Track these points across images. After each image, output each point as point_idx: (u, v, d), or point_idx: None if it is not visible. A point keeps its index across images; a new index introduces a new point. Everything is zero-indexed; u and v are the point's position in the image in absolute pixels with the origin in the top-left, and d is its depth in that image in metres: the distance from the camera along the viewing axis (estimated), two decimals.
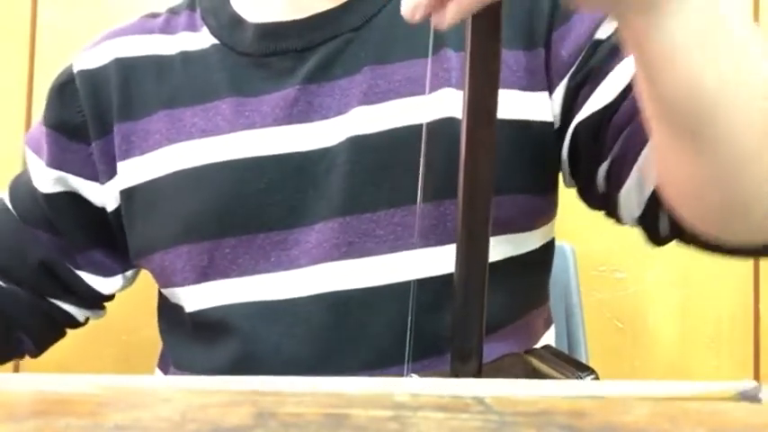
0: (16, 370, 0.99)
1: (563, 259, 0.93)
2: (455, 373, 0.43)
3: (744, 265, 1.11)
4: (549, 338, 0.71)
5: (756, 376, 1.11)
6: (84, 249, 0.72)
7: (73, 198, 0.70)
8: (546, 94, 0.62)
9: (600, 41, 0.60)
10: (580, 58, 0.60)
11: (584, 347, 0.92)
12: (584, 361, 0.91)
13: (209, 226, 0.63)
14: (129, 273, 0.74)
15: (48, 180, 0.70)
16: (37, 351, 0.76)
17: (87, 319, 0.77)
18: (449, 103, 0.60)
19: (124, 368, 1.05)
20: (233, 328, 0.62)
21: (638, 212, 0.58)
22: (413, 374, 0.48)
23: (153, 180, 0.66)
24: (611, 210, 0.61)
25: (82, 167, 0.69)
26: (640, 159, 0.56)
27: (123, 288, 0.75)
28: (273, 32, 0.65)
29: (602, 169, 0.59)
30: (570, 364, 0.52)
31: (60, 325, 0.76)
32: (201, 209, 0.63)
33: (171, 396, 0.24)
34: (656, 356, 1.11)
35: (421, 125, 0.60)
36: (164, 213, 0.65)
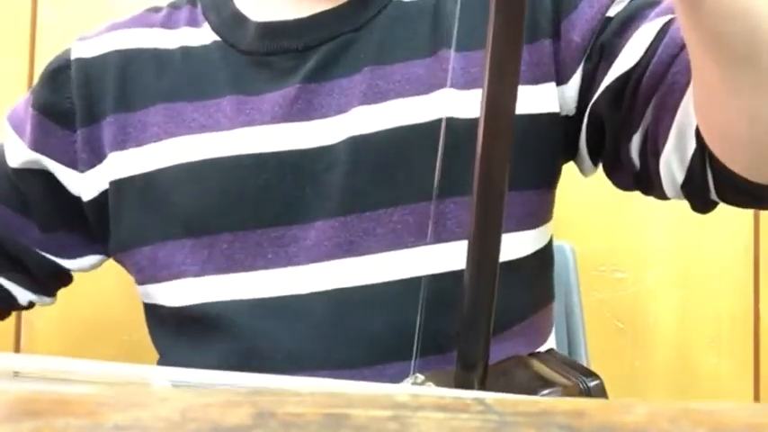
0: (16, 372, 0.99)
1: (563, 259, 0.93)
2: (459, 383, 0.43)
3: (744, 266, 1.11)
4: (551, 338, 0.71)
5: (756, 376, 1.11)
6: (53, 230, 0.71)
7: (46, 179, 0.69)
8: (551, 84, 0.62)
9: (609, 18, 0.60)
10: (593, 38, 0.60)
11: (584, 347, 0.92)
12: (583, 361, 0.91)
13: (206, 221, 0.63)
14: (94, 259, 0.74)
15: (23, 157, 0.69)
16: None
17: (31, 304, 0.76)
18: (449, 103, 0.60)
19: None
20: (230, 324, 0.62)
21: (681, 178, 0.56)
22: (418, 374, 0.48)
23: (149, 173, 0.65)
24: (648, 185, 0.60)
25: (62, 153, 0.68)
26: (677, 121, 0.55)
27: (89, 268, 0.74)
28: (275, 31, 0.66)
29: (636, 141, 0.58)
30: (575, 368, 0.52)
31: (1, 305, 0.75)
32: (199, 204, 0.63)
33: (170, 395, 0.24)
34: (656, 356, 1.11)
35: (421, 125, 0.60)
36: (160, 206, 0.65)
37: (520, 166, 0.60)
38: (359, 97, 0.62)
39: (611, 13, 0.60)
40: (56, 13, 1.15)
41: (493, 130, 0.40)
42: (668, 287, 1.09)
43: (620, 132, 0.59)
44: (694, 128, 0.54)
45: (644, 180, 0.60)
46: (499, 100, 0.40)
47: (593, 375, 0.51)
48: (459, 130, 0.60)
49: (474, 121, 0.60)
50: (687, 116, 0.54)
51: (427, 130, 0.60)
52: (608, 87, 0.59)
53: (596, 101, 0.60)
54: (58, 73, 0.70)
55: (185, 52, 0.68)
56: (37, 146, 0.69)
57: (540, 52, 0.62)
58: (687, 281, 1.09)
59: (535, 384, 0.49)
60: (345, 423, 0.22)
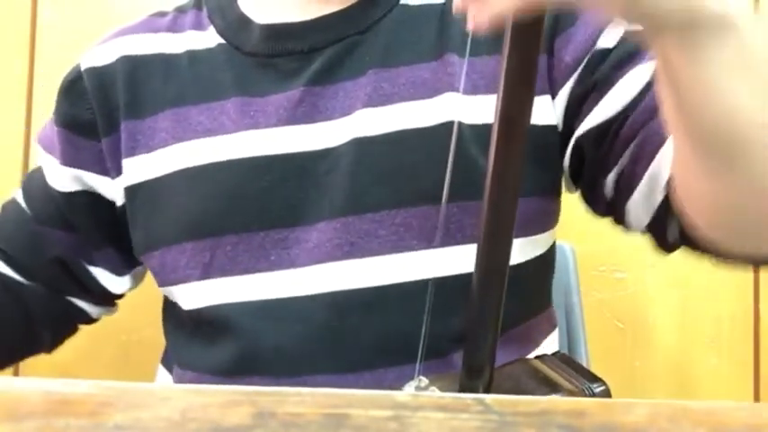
0: (16, 371, 0.99)
1: (563, 259, 0.93)
2: (464, 388, 0.43)
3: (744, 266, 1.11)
4: (552, 341, 0.71)
5: (756, 376, 1.11)
6: (99, 246, 0.72)
7: (89, 196, 0.70)
8: (548, 97, 0.62)
9: (607, 50, 0.60)
10: (584, 63, 0.60)
11: (585, 347, 0.92)
12: (584, 361, 0.91)
13: (210, 223, 0.63)
14: (138, 270, 0.75)
15: (64, 179, 0.70)
16: (52, 346, 0.77)
17: (101, 315, 0.78)
18: (452, 107, 0.61)
19: (124, 368, 1.05)
20: (233, 326, 0.62)
21: (646, 220, 0.58)
22: (422, 377, 0.47)
23: (158, 178, 0.66)
24: (618, 217, 0.61)
25: (94, 164, 0.69)
26: (650, 169, 0.56)
27: (133, 287, 0.76)
28: (280, 33, 0.66)
29: (610, 179, 0.60)
30: (581, 373, 0.52)
31: (75, 321, 0.77)
32: (204, 206, 0.63)
33: (171, 396, 0.24)
34: (656, 356, 1.11)
35: (424, 128, 0.60)
36: (167, 211, 0.65)
37: (525, 173, 0.61)
38: (363, 100, 0.62)
39: (607, 43, 0.60)
40: (56, 13, 1.15)
41: (508, 135, 0.40)
42: (668, 287, 1.09)
43: (598, 168, 0.60)
44: (665, 180, 0.55)
45: (614, 213, 0.62)
46: (514, 107, 0.40)
47: (599, 381, 0.51)
48: (463, 134, 0.60)
49: (479, 127, 0.60)
50: (661, 167, 0.55)
51: (431, 134, 0.60)
52: (596, 126, 0.59)
53: (583, 135, 0.60)
54: (73, 85, 0.70)
55: (191, 56, 0.68)
56: (69, 161, 0.70)
57: (539, 66, 0.62)
58: (687, 281, 1.09)
59: (540, 389, 0.49)
60: (345, 423, 0.22)
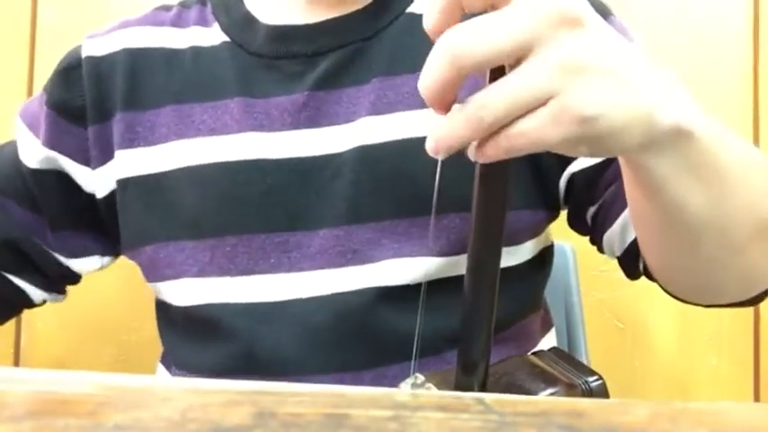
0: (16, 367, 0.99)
1: (563, 259, 0.93)
2: (459, 385, 0.43)
3: None
4: (549, 341, 0.71)
5: (756, 376, 1.11)
6: (61, 229, 0.71)
7: (60, 178, 0.69)
8: None
9: None
10: None
11: (585, 347, 0.92)
12: (583, 361, 0.91)
13: (211, 223, 0.63)
14: (106, 258, 0.73)
15: (38, 157, 0.69)
16: None
17: (44, 302, 0.75)
18: None
19: (124, 367, 1.05)
20: (227, 327, 0.62)
21: (618, 253, 0.63)
22: (417, 374, 0.48)
23: (157, 173, 0.65)
24: (595, 242, 0.66)
25: (76, 151, 0.68)
26: (623, 215, 0.60)
27: (94, 270, 0.74)
28: (285, 35, 0.65)
29: (591, 210, 0.64)
30: (577, 367, 0.52)
31: (11, 303, 0.74)
32: (205, 206, 0.63)
33: (171, 396, 0.24)
34: (656, 356, 1.11)
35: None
36: (165, 207, 0.65)
37: (521, 186, 0.62)
38: (367, 107, 0.62)
39: None
40: (56, 13, 1.15)
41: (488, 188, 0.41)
42: None
43: (582, 201, 0.64)
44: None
45: (592, 237, 0.66)
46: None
47: (595, 375, 0.51)
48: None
49: None
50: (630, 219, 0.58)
51: None
52: (587, 169, 0.62)
53: (576, 173, 0.63)
54: (70, 71, 0.70)
55: (195, 52, 0.68)
56: (52, 143, 0.69)
57: None
58: None
59: (537, 384, 0.49)
60: (345, 423, 0.22)
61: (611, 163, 0.60)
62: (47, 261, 0.71)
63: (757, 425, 0.23)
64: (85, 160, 0.68)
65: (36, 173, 0.69)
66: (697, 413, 0.24)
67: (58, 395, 0.24)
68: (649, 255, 0.57)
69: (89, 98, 0.68)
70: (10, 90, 1.15)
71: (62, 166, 0.69)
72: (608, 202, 0.61)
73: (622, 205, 0.59)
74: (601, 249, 0.65)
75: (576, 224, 0.67)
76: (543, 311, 0.72)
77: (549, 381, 0.50)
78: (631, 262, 0.62)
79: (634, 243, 0.60)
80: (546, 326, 0.72)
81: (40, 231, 0.71)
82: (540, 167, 0.63)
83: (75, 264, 0.72)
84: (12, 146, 0.72)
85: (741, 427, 0.23)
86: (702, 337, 1.11)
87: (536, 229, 0.67)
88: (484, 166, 0.39)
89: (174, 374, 0.69)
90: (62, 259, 0.72)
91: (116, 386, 0.26)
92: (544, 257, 0.70)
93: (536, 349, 0.67)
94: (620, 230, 0.61)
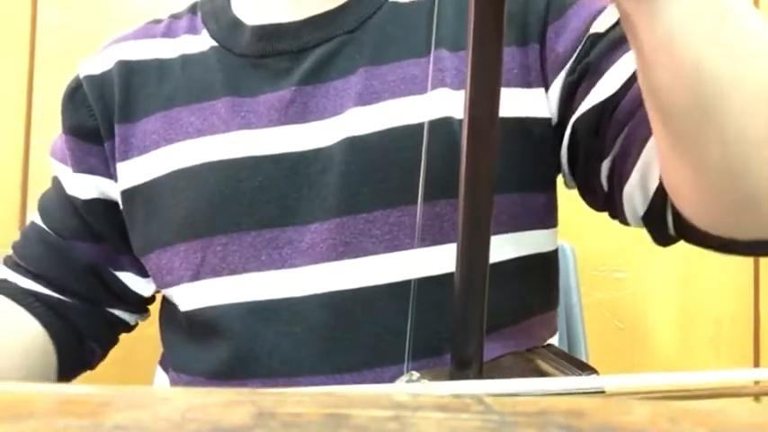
0: None
1: (563, 259, 0.93)
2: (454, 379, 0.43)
3: (744, 266, 1.11)
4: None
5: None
6: (122, 251, 0.72)
7: (105, 202, 0.71)
8: (542, 90, 0.62)
9: (598, 35, 0.59)
10: (576, 52, 0.60)
11: (584, 347, 0.93)
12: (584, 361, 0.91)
13: (202, 224, 0.63)
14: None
15: (80, 186, 0.71)
16: (101, 359, 0.78)
17: (137, 322, 0.78)
18: (444, 103, 0.60)
19: (124, 368, 1.05)
20: (227, 328, 0.62)
21: (642, 211, 0.57)
22: (413, 371, 0.48)
23: (151, 180, 0.66)
24: (615, 210, 0.60)
25: (104, 168, 0.70)
26: (643, 156, 0.54)
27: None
28: (270, 34, 0.66)
29: (605, 167, 0.58)
30: (572, 363, 0.52)
31: (117, 331, 0.77)
32: (195, 207, 0.64)
33: (171, 396, 0.24)
34: (656, 356, 1.11)
35: (415, 125, 0.60)
36: (161, 213, 0.66)
37: (509, 168, 0.60)
38: (354, 98, 0.62)
39: (599, 28, 0.59)
40: (56, 13, 1.15)
41: (477, 128, 0.40)
42: (668, 287, 1.09)
43: (591, 156, 0.59)
44: (658, 166, 0.53)
45: (610, 204, 0.60)
46: (482, 100, 0.40)
47: (589, 369, 0.51)
48: (455, 129, 0.59)
49: None
50: (652, 154, 0.54)
51: (422, 131, 0.60)
52: (587, 112, 0.58)
53: (576, 121, 0.59)
54: (74, 93, 0.71)
55: (185, 60, 0.69)
56: (80, 167, 0.70)
57: (531, 56, 0.62)
58: (687, 281, 1.09)
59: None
60: (345, 423, 0.22)
61: (617, 101, 0.56)
62: (125, 285, 0.74)
63: (757, 424, 0.23)
64: (111, 176, 0.70)
65: (87, 203, 0.71)
66: (697, 413, 0.24)
67: (59, 395, 0.24)
68: (670, 167, 0.49)
69: (99, 115, 0.69)
70: (10, 90, 1.15)
71: (99, 187, 0.70)
72: (622, 151, 0.56)
73: (638, 150, 0.55)
74: (623, 216, 0.59)
75: (590, 193, 0.62)
76: (551, 314, 0.71)
77: (543, 376, 0.50)
78: (658, 218, 0.56)
79: (658, 193, 0.54)
80: (552, 331, 0.71)
81: (111, 259, 0.73)
82: (532, 138, 0.62)
83: (141, 285, 0.75)
84: (55, 190, 0.74)
85: (741, 427, 0.23)
86: (702, 337, 1.11)
87: (537, 215, 0.65)
88: (471, 145, 0.39)
89: (171, 378, 0.69)
90: (138, 279, 0.74)
91: (116, 386, 0.26)
92: (554, 256, 0.69)
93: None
94: (641, 179, 0.55)
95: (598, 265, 1.08)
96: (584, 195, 0.64)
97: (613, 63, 0.58)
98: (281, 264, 0.61)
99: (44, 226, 0.73)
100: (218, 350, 0.63)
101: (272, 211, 0.62)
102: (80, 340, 0.73)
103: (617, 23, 0.59)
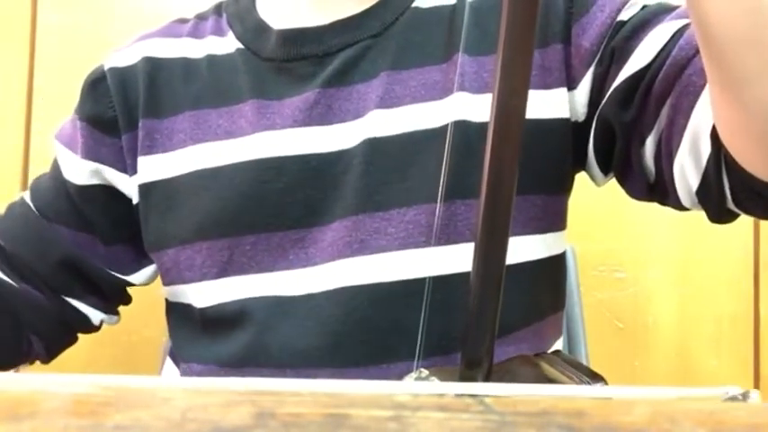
0: (16, 370, 0.99)
1: None
2: (463, 381, 0.43)
3: (744, 266, 1.12)
4: (557, 347, 0.71)
5: (756, 376, 1.11)
6: (109, 243, 0.72)
7: (106, 191, 0.71)
8: (563, 90, 0.62)
9: (622, 23, 0.60)
10: (604, 43, 0.60)
11: (585, 347, 0.93)
12: (583, 361, 0.91)
13: (229, 224, 0.64)
14: (149, 271, 0.75)
15: (83, 172, 0.71)
16: (47, 356, 0.76)
17: (101, 324, 0.77)
18: (462, 106, 0.61)
19: (124, 368, 1.06)
20: (248, 318, 0.63)
21: (696, 183, 0.55)
22: (422, 369, 0.48)
23: (174, 177, 0.67)
24: (664, 194, 0.59)
25: (115, 160, 0.70)
26: (691, 122, 0.53)
27: (146, 283, 0.76)
28: (296, 38, 0.67)
29: (650, 145, 0.58)
30: (581, 370, 0.52)
31: (73, 329, 0.76)
32: (222, 207, 0.64)
33: (171, 396, 0.24)
34: (656, 356, 1.11)
35: (434, 129, 0.61)
36: (183, 210, 0.66)
37: (526, 170, 0.60)
38: (375, 101, 0.63)
39: (624, 17, 0.60)
40: (56, 13, 1.15)
41: (502, 131, 0.40)
42: (668, 287, 1.09)
43: (631, 136, 0.58)
44: (710, 130, 0.52)
45: (658, 188, 0.59)
46: (509, 102, 0.40)
47: (597, 377, 0.51)
48: (471, 133, 0.60)
49: (486, 125, 0.60)
50: (703, 118, 0.53)
51: (441, 134, 0.60)
52: (616, 89, 0.58)
53: (605, 104, 0.59)
54: (97, 84, 0.71)
55: (211, 60, 0.70)
56: (90, 155, 0.70)
57: (551, 57, 0.62)
58: (687, 281, 1.09)
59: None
60: (345, 423, 0.22)
61: (654, 74, 0.56)
62: (102, 279, 0.73)
63: (757, 424, 0.23)
64: (123, 168, 0.70)
65: (83, 189, 0.71)
66: (697, 413, 0.24)
67: (58, 395, 0.24)
68: (723, 114, 0.48)
69: (118, 108, 0.70)
70: (10, 90, 1.15)
71: (105, 176, 0.71)
72: (668, 123, 0.55)
73: (686, 115, 0.53)
74: (675, 197, 0.57)
75: (634, 184, 0.61)
76: (559, 315, 0.71)
77: (551, 382, 0.50)
78: (713, 187, 0.53)
79: (710, 159, 0.53)
80: (558, 332, 0.72)
81: (93, 249, 0.72)
82: (548, 140, 0.62)
83: (131, 278, 0.74)
84: (52, 173, 0.74)
85: (741, 427, 0.23)
86: (702, 338, 1.11)
87: (552, 218, 0.66)
88: (493, 151, 0.39)
89: (181, 368, 0.70)
90: (117, 275, 0.73)
91: (116, 386, 0.26)
92: (561, 259, 0.69)
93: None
94: (691, 147, 0.53)
95: (598, 265, 1.08)
96: (624, 184, 0.63)
97: (641, 40, 0.58)
98: (306, 262, 0.63)
99: (31, 204, 0.73)
100: (231, 341, 0.64)
101: (298, 212, 0.63)
102: (17, 328, 0.72)
103: (641, 9, 0.59)
